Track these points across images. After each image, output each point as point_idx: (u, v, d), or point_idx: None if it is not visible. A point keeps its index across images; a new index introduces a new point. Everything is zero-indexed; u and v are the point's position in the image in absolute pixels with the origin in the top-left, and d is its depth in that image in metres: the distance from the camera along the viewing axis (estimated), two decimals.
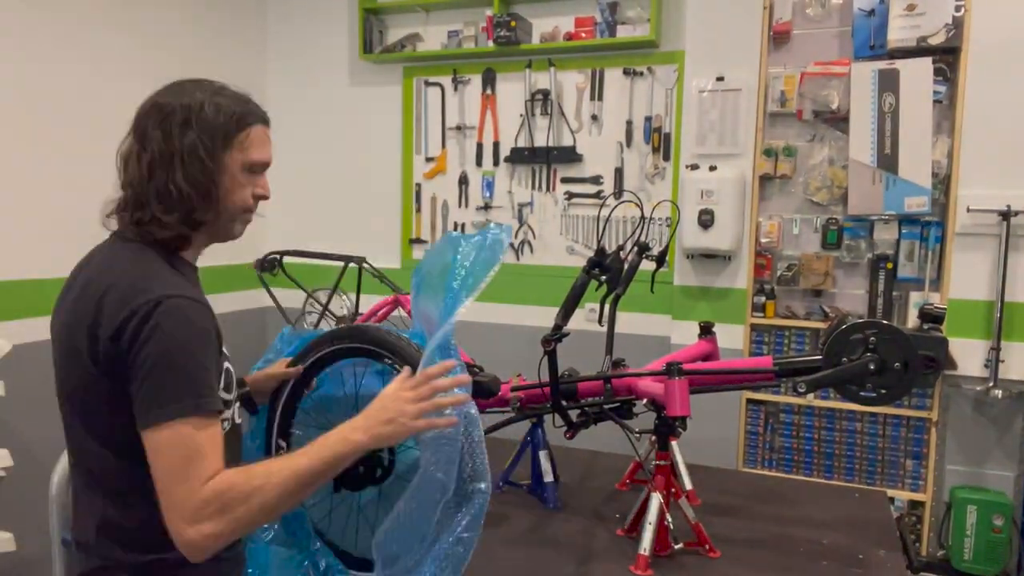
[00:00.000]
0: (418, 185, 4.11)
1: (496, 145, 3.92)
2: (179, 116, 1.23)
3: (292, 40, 4.29)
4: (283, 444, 1.64)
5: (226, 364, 1.30)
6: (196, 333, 1.17)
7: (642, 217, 2.30)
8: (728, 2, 3.17)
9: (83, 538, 1.27)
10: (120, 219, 1.28)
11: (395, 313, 2.34)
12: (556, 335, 1.68)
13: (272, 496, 1.13)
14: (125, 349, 1.13)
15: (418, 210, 4.12)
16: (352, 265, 2.41)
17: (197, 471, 1.10)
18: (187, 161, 1.22)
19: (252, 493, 1.12)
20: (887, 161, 2.97)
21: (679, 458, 1.94)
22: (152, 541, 1.18)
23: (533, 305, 3.86)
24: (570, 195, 3.79)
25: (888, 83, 2.95)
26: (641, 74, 3.61)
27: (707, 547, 1.70)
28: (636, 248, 2.06)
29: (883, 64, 2.96)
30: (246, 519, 1.12)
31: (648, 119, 3.61)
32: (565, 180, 3.80)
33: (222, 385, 1.24)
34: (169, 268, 1.24)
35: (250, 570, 1.55)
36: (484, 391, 1.99)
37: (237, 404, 1.38)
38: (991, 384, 2.90)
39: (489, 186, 3.95)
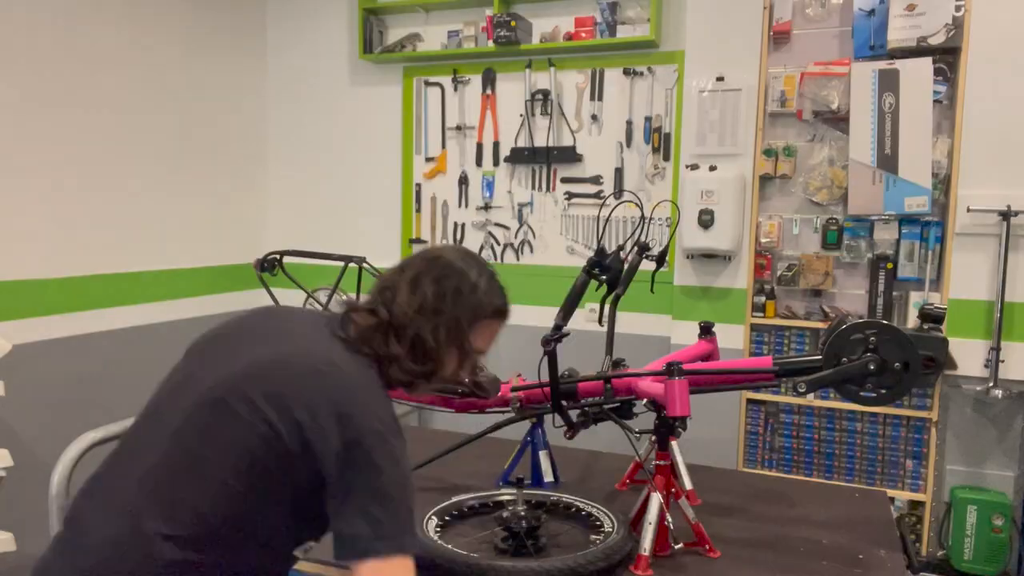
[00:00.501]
0: (418, 185, 4.11)
1: (496, 145, 3.92)
2: (454, 281, 1.28)
3: (292, 40, 4.29)
4: None
5: None
6: (408, 467, 1.17)
7: (642, 217, 2.30)
8: (728, 2, 3.17)
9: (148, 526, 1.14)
10: (353, 327, 1.26)
11: None
12: (556, 335, 1.68)
13: None
14: (343, 458, 1.11)
15: (418, 210, 4.12)
16: (352, 265, 2.41)
17: None
18: (446, 323, 1.27)
19: None
20: (887, 161, 2.97)
21: (679, 458, 1.93)
22: None
23: (533, 305, 3.85)
24: (570, 195, 3.79)
25: (888, 83, 2.95)
26: (641, 74, 3.61)
27: (707, 547, 1.70)
28: (636, 248, 2.05)
29: (883, 64, 2.96)
30: None
31: (648, 119, 3.61)
32: (565, 180, 3.80)
33: None
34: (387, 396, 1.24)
35: None
36: (484, 391, 2.00)
37: None
38: (991, 384, 2.90)
39: (489, 186, 3.95)
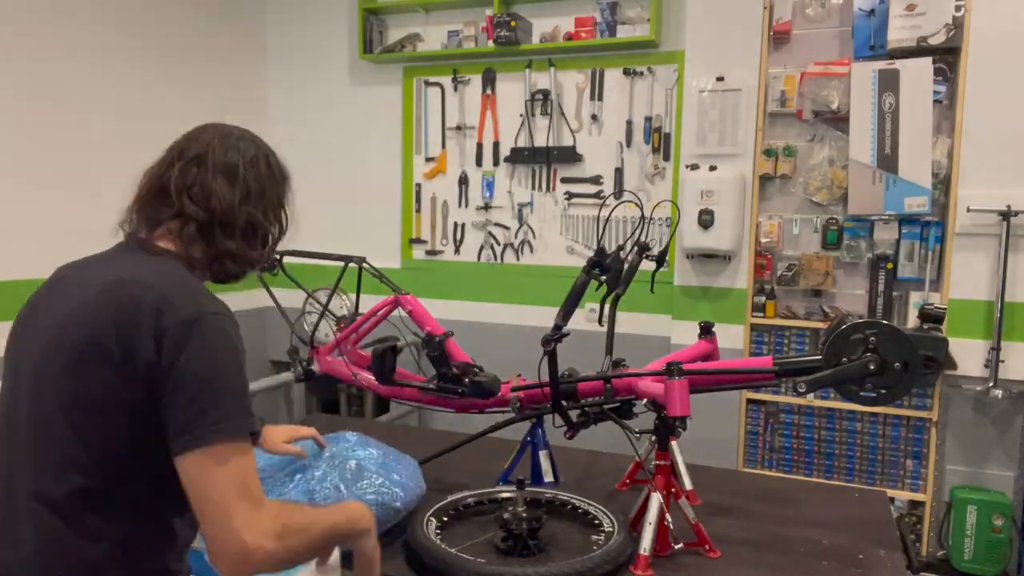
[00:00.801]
0: (418, 185, 4.11)
1: (496, 145, 3.92)
2: (262, 162, 1.29)
3: (292, 40, 4.29)
4: None
5: None
6: (239, 347, 1.12)
7: (642, 217, 2.30)
8: (728, 2, 3.17)
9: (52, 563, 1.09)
10: (158, 235, 1.23)
11: (395, 313, 2.34)
12: (556, 335, 1.68)
13: (316, 539, 1.13)
14: (169, 361, 1.06)
15: (418, 210, 4.12)
16: (352, 265, 2.41)
17: (256, 489, 1.07)
18: (272, 203, 1.29)
19: (306, 528, 1.11)
20: (887, 161, 2.97)
21: (679, 458, 1.93)
22: (141, 556, 1.14)
23: (533, 305, 3.86)
24: (570, 195, 3.79)
25: (888, 83, 2.95)
26: (641, 74, 3.61)
27: (707, 547, 1.70)
28: (636, 248, 2.05)
29: (883, 64, 2.96)
30: (295, 551, 1.10)
31: (648, 119, 3.61)
32: (565, 180, 3.80)
33: None
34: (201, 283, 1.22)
35: None
36: (484, 391, 2.00)
37: None
38: (991, 384, 2.90)
39: (489, 186, 3.95)
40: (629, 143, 3.67)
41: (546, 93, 3.76)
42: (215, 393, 1.06)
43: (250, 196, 1.25)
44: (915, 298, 3.03)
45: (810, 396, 3.14)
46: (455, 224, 4.05)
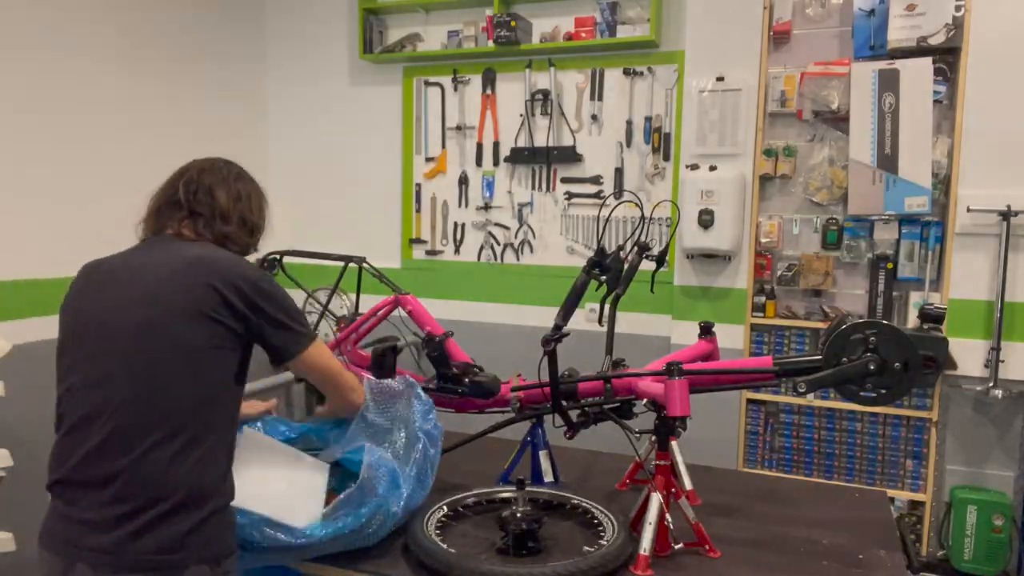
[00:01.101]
0: (418, 185, 4.11)
1: (496, 145, 3.92)
2: (245, 178, 1.73)
3: (292, 40, 4.29)
4: None
5: None
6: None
7: (642, 217, 2.30)
8: (728, 2, 3.17)
9: (164, 492, 1.39)
10: (185, 225, 1.62)
11: (395, 313, 2.34)
12: (556, 335, 1.68)
13: None
14: (253, 304, 1.50)
15: (418, 210, 4.12)
16: (352, 265, 2.41)
17: (342, 369, 1.75)
18: (259, 208, 1.74)
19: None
20: (887, 161, 2.97)
21: (679, 458, 1.93)
22: (224, 484, 1.49)
23: (533, 305, 3.86)
24: (570, 195, 3.79)
25: (888, 83, 2.95)
26: (641, 74, 3.61)
27: (707, 547, 1.70)
28: (636, 248, 2.06)
29: (883, 64, 2.96)
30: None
31: (648, 119, 3.61)
32: (565, 180, 3.80)
33: None
34: None
35: None
36: (484, 391, 2.00)
37: None
38: (991, 384, 2.90)
39: (489, 186, 3.95)
40: (629, 143, 3.67)
41: (546, 93, 3.76)
42: (292, 317, 1.58)
43: (240, 198, 1.67)
44: (915, 298, 3.03)
45: (810, 396, 3.14)
46: (455, 224, 4.05)
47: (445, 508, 1.80)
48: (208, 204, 1.62)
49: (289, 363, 1.60)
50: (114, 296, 1.49)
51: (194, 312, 1.44)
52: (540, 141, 3.80)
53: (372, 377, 1.87)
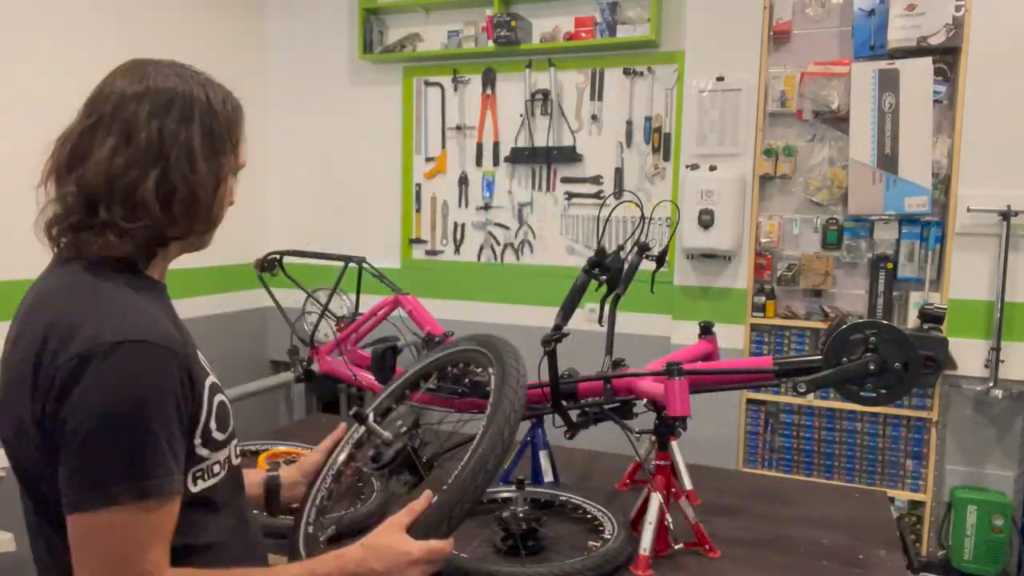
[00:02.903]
0: (418, 185, 4.11)
1: (496, 145, 3.92)
2: (178, 107, 1.04)
3: (292, 40, 4.29)
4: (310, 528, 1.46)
5: (218, 397, 1.08)
6: (147, 388, 0.93)
7: (642, 217, 2.30)
8: (728, 2, 3.17)
9: None
10: (59, 233, 1.07)
11: (395, 313, 2.34)
12: (556, 335, 1.68)
13: None
14: (53, 409, 0.92)
15: (418, 210, 4.12)
16: (352, 265, 2.41)
17: (131, 569, 0.92)
18: (176, 162, 1.02)
19: None
20: (887, 161, 2.97)
21: (679, 458, 1.93)
22: None
23: (533, 305, 3.86)
24: (570, 195, 3.79)
25: (888, 83, 2.95)
26: (641, 74, 3.61)
27: (707, 547, 1.70)
28: (636, 248, 2.05)
29: (883, 64, 2.96)
30: None
31: (648, 119, 3.61)
32: (565, 180, 3.80)
33: (213, 425, 1.05)
34: (127, 291, 1.01)
35: None
36: (484, 391, 1.99)
37: (235, 443, 1.15)
38: (991, 384, 2.90)
39: (489, 186, 3.95)
40: (629, 143, 3.67)
41: (546, 93, 3.76)
42: (94, 449, 0.90)
43: (136, 160, 1.02)
44: (915, 298, 3.03)
45: (810, 396, 3.13)
46: (455, 224, 4.05)
47: None
48: (84, 174, 1.02)
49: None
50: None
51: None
52: (540, 141, 3.80)
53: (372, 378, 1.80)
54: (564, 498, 1.86)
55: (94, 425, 0.90)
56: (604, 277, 1.87)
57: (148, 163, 1.01)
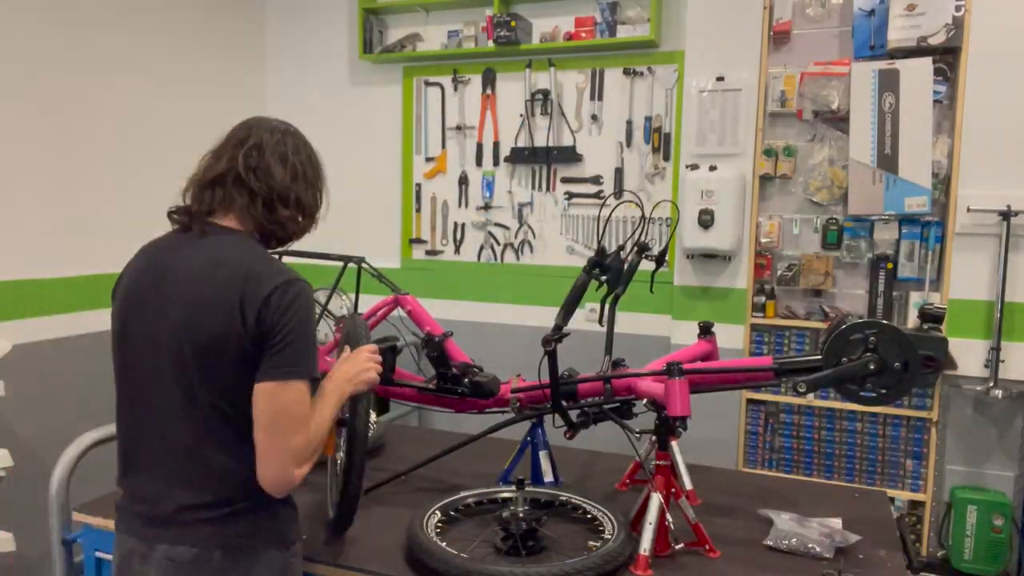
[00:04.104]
0: (418, 185, 4.11)
1: (496, 145, 3.92)
2: (305, 151, 1.60)
3: (292, 40, 4.29)
4: None
5: None
6: (313, 312, 1.42)
7: (642, 217, 2.30)
8: (728, 2, 3.17)
9: (202, 498, 1.38)
10: (220, 215, 1.48)
11: (395, 313, 2.34)
12: (556, 335, 1.68)
13: (319, 444, 1.42)
14: (270, 317, 1.34)
15: (418, 210, 4.12)
16: (352, 265, 2.41)
17: (305, 425, 1.37)
18: (316, 185, 1.62)
19: (315, 441, 1.40)
20: (887, 161, 2.97)
21: (679, 458, 1.93)
22: (256, 486, 1.37)
23: (533, 305, 3.86)
24: (570, 195, 3.79)
25: (888, 83, 2.95)
26: (641, 74, 3.61)
27: (707, 547, 1.70)
28: (636, 248, 2.06)
29: (883, 64, 2.96)
30: (310, 463, 1.40)
31: (648, 119, 3.61)
32: (565, 180, 3.80)
33: None
34: (270, 254, 1.49)
35: None
36: (484, 391, 2.00)
37: None
38: (991, 384, 2.90)
39: (489, 186, 3.95)
40: (629, 143, 3.67)
41: (546, 93, 3.76)
42: (298, 342, 1.36)
43: (297, 177, 1.53)
44: (915, 298, 3.03)
45: (810, 396, 3.14)
46: (455, 224, 4.05)
47: (445, 508, 1.80)
48: (265, 181, 1.47)
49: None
50: (158, 293, 1.42)
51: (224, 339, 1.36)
52: (540, 141, 3.80)
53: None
54: (564, 498, 1.86)
55: (299, 329, 1.36)
56: (604, 277, 1.87)
57: (307, 183, 1.59)
